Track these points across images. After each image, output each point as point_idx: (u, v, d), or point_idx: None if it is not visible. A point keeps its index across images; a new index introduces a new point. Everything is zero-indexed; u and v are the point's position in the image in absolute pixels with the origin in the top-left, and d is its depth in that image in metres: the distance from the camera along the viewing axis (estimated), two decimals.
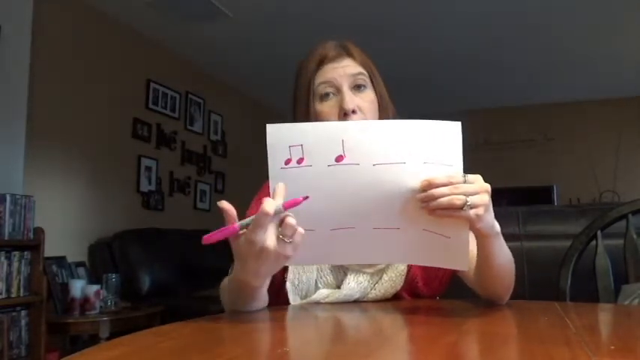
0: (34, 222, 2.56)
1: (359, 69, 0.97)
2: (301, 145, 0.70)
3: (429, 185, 0.69)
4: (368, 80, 0.98)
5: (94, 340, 2.67)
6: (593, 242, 1.26)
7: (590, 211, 1.73)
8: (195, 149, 4.57)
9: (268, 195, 1.03)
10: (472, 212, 0.69)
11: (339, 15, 3.65)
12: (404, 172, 0.70)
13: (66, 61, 3.30)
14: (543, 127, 5.71)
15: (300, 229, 0.67)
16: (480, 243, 0.79)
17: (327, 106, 0.95)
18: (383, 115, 0.99)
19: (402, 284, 0.98)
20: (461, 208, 0.68)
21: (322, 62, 0.97)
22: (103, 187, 3.57)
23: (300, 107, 0.99)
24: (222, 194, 4.89)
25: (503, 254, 0.83)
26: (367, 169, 0.70)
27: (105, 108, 3.60)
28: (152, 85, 4.07)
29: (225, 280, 0.90)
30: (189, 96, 4.53)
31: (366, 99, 0.96)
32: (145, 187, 3.97)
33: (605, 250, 1.24)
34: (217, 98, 4.90)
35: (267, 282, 0.80)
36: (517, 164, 5.66)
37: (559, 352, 0.52)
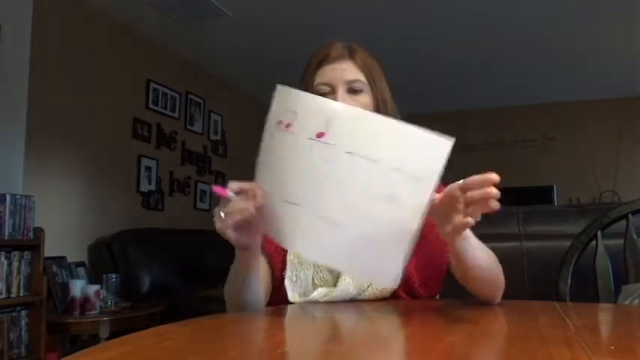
0: (34, 222, 2.56)
1: (357, 75, 0.98)
2: (295, 112, 0.71)
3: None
4: (366, 86, 0.99)
5: (94, 340, 2.67)
6: (593, 242, 1.26)
7: (590, 211, 1.72)
8: (195, 149, 4.57)
9: None
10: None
11: (339, 15, 3.65)
12: (370, 169, 0.69)
13: (66, 61, 3.30)
14: (543, 127, 5.71)
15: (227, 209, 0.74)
16: (451, 245, 0.78)
17: None
18: None
19: None
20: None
21: (323, 61, 0.99)
22: (102, 187, 3.57)
23: None
24: None
25: (478, 255, 0.83)
26: (339, 153, 0.69)
27: (105, 108, 3.60)
28: (152, 85, 4.07)
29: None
30: (189, 96, 4.53)
31: (359, 101, 0.97)
32: (145, 187, 3.97)
33: (605, 250, 1.24)
34: (217, 98, 4.90)
35: (258, 263, 0.85)
36: (517, 164, 5.65)
37: (559, 352, 0.52)
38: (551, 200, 5.20)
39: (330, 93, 0.98)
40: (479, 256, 0.84)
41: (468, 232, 0.79)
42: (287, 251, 0.99)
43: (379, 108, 1.00)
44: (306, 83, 1.00)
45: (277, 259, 1.00)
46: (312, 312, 0.88)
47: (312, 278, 0.98)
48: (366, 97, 0.99)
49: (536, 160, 5.66)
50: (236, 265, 0.84)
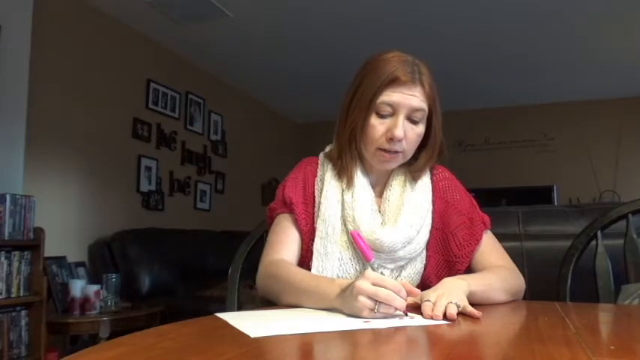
0: (34, 222, 2.56)
1: (422, 104, 1.01)
2: None
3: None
4: (425, 116, 1.04)
5: (94, 340, 2.67)
6: (593, 242, 1.26)
7: (590, 211, 1.72)
8: (195, 149, 4.57)
9: (300, 182, 1.13)
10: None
11: (339, 15, 3.65)
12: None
13: (66, 61, 3.30)
14: (543, 127, 5.71)
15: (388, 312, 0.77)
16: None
17: (380, 123, 1.02)
18: (430, 150, 1.08)
19: (418, 282, 1.04)
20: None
21: (394, 82, 1.00)
22: (103, 187, 3.57)
23: (356, 111, 1.04)
24: (222, 194, 4.89)
25: (492, 295, 0.93)
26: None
27: (105, 108, 3.60)
28: (152, 85, 4.06)
29: (279, 267, 1.00)
30: (189, 96, 4.53)
31: (416, 131, 1.03)
32: (145, 187, 3.97)
33: (605, 250, 1.24)
34: (217, 98, 4.90)
35: None
36: (517, 164, 5.65)
37: (559, 352, 0.52)
38: (551, 200, 5.20)
39: (390, 115, 1.01)
40: (492, 295, 0.93)
41: (470, 289, 0.86)
42: (313, 239, 1.06)
43: (429, 138, 1.07)
44: (367, 96, 1.01)
45: (307, 238, 1.07)
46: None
47: (337, 275, 1.03)
48: (421, 127, 1.04)
49: (536, 160, 5.66)
50: (314, 297, 0.88)
